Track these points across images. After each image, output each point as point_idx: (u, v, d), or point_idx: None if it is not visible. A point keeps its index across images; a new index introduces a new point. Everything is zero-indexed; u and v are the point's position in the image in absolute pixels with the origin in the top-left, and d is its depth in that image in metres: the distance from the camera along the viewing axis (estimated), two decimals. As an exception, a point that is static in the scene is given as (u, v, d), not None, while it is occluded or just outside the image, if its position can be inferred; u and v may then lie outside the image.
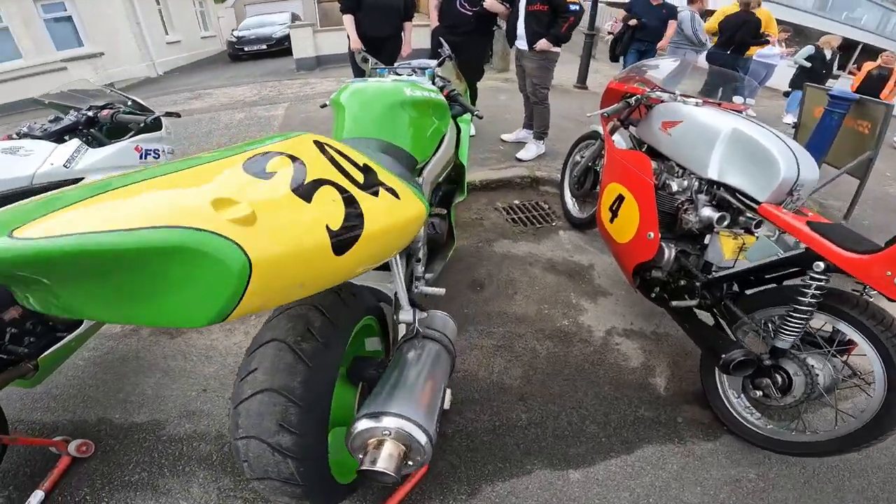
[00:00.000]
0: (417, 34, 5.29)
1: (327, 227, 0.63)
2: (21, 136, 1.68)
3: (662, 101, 1.84)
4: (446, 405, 1.17)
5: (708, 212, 1.59)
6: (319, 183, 0.68)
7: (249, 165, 0.63)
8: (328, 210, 0.66)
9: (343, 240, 0.66)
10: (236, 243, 0.49)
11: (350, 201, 0.71)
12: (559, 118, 4.65)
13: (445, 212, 1.70)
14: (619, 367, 1.82)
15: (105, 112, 1.75)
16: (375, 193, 0.78)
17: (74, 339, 1.58)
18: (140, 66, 10.10)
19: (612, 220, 1.91)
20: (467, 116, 2.01)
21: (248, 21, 12.09)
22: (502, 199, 3.14)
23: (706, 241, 1.63)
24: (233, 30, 12.08)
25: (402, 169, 1.09)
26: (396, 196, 0.84)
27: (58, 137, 1.70)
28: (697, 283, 1.60)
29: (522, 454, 1.46)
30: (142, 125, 1.80)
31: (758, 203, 1.45)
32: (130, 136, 1.82)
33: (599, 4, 6.18)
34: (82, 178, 1.58)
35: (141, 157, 1.83)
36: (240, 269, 0.49)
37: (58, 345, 1.53)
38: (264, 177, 0.62)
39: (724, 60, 4.69)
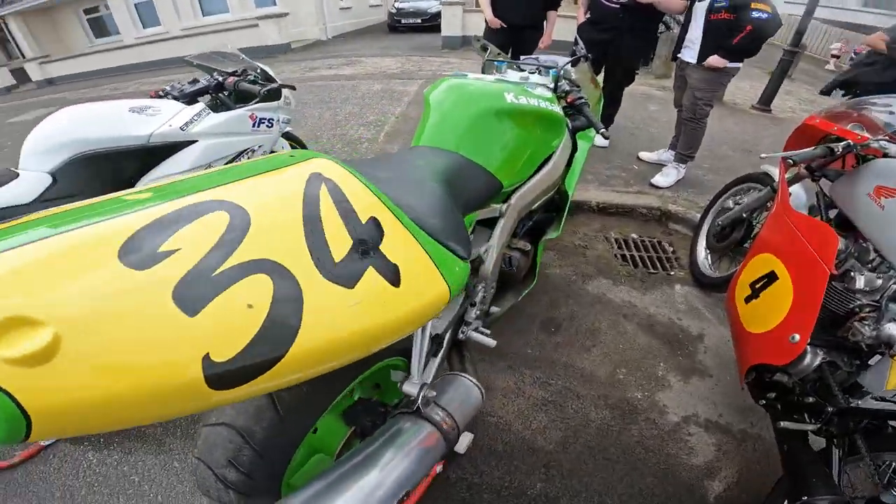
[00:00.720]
0: (566, 26, 4.84)
1: (206, 357, 0.41)
2: (164, 94, 1.84)
3: (888, 157, 1.28)
4: (462, 450, 1.01)
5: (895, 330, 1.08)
6: (246, 271, 0.45)
7: (142, 237, 0.43)
8: (224, 327, 0.43)
9: (235, 371, 0.43)
10: (3, 390, 0.34)
11: (287, 303, 0.47)
12: (720, 143, 3.86)
13: (529, 247, 1.43)
14: (676, 460, 1.47)
15: (230, 79, 1.83)
16: (352, 282, 0.53)
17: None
18: (314, 29, 11.21)
19: (748, 300, 1.44)
20: (591, 132, 1.68)
21: (410, -6, 12.55)
22: (618, 228, 2.69)
23: (871, 360, 1.17)
24: (395, 1, 12.67)
25: (451, 214, 0.84)
26: (396, 280, 0.58)
27: (191, 99, 1.82)
28: (831, 407, 1.18)
29: (516, 526, 1.25)
30: (259, 94, 1.85)
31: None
32: (250, 104, 1.89)
33: (812, 20, 4.90)
34: (196, 141, 1.67)
35: (254, 125, 1.89)
36: (8, 419, 0.34)
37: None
38: (143, 264, 0.41)
39: None
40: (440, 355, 1.10)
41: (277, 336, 0.46)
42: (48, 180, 1.42)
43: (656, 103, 4.99)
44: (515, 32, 3.30)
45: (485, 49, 1.92)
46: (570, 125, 1.57)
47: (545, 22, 3.40)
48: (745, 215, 2.00)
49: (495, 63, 1.77)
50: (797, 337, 1.17)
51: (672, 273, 2.35)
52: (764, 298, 1.37)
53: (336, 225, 0.56)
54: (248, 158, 1.90)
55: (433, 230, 0.72)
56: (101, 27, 12.73)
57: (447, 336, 1.14)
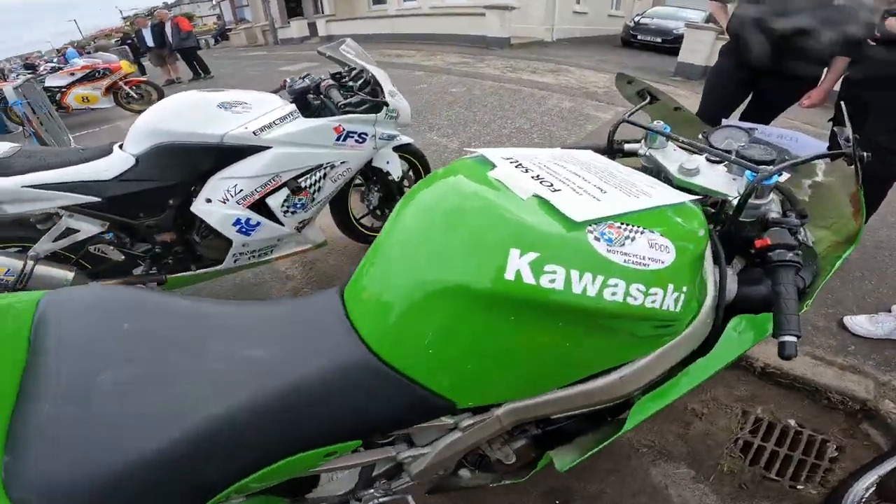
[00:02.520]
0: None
1: None
2: (284, 87, 1.83)
3: None
4: None
5: None
6: None
7: None
8: None
9: None
10: None
11: None
12: None
13: (513, 460, 0.88)
14: None
15: (325, 83, 1.71)
16: None
17: (204, 274, 1.74)
18: (539, 29, 10.95)
19: None
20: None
21: (658, 10, 11.01)
22: (774, 406, 1.73)
23: None
24: (637, 14, 11.39)
25: None
26: None
27: (298, 96, 1.76)
28: None
29: None
30: (337, 106, 1.69)
31: None
32: (341, 114, 1.74)
33: None
34: (269, 147, 1.60)
35: (339, 139, 1.73)
36: None
37: (187, 273, 1.71)
38: None
39: None
40: None
41: None
42: (131, 162, 1.52)
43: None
44: (762, 74, 2.23)
45: (642, 97, 1.12)
46: (725, 297, 0.75)
47: (826, 69, 2.14)
48: None
49: (650, 135, 0.95)
50: None
51: (799, 488, 1.43)
52: None
53: None
54: (326, 174, 1.77)
55: None
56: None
57: None
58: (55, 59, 9.69)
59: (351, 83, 1.89)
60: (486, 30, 9.59)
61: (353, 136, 1.77)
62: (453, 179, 0.71)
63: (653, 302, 0.63)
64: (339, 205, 2.09)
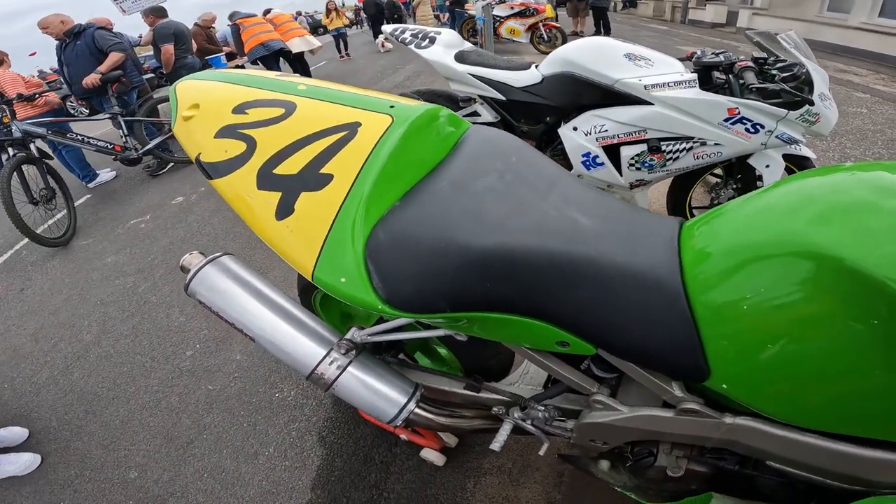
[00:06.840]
0: None
1: None
2: (690, 58, 1.78)
3: None
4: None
5: None
6: None
7: None
8: None
9: None
10: None
11: None
12: None
13: None
14: None
15: (742, 63, 1.54)
16: None
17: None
18: None
19: None
20: None
21: None
22: None
23: None
24: None
25: None
26: None
27: (701, 70, 1.69)
28: None
29: None
30: (736, 90, 1.56)
31: None
32: (744, 98, 1.57)
33: None
34: (651, 104, 1.64)
35: (728, 121, 1.59)
36: None
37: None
38: None
39: None
40: None
41: None
42: (538, 79, 1.88)
43: None
44: None
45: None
46: None
47: None
48: None
49: None
50: None
51: None
52: None
53: None
54: (692, 148, 1.68)
55: None
56: (840, 2, 11.64)
57: None
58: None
59: (774, 72, 1.65)
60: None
61: (745, 123, 1.58)
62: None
63: None
64: (683, 183, 1.96)
